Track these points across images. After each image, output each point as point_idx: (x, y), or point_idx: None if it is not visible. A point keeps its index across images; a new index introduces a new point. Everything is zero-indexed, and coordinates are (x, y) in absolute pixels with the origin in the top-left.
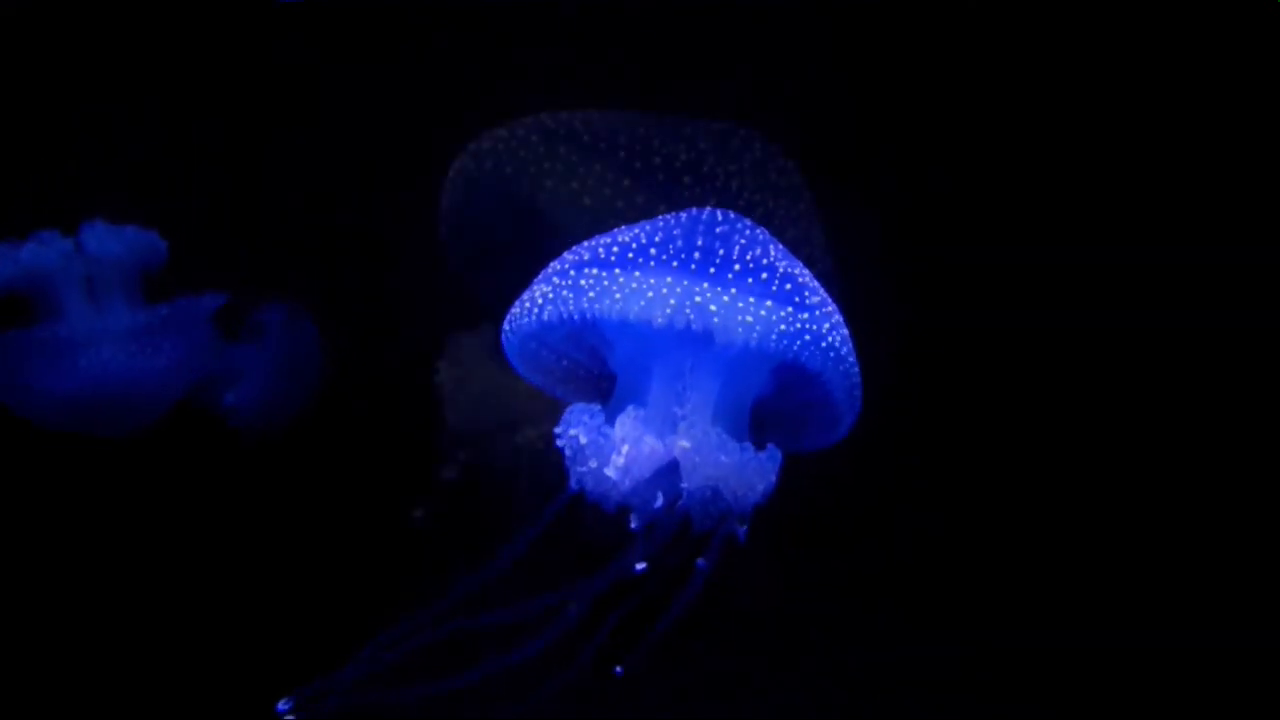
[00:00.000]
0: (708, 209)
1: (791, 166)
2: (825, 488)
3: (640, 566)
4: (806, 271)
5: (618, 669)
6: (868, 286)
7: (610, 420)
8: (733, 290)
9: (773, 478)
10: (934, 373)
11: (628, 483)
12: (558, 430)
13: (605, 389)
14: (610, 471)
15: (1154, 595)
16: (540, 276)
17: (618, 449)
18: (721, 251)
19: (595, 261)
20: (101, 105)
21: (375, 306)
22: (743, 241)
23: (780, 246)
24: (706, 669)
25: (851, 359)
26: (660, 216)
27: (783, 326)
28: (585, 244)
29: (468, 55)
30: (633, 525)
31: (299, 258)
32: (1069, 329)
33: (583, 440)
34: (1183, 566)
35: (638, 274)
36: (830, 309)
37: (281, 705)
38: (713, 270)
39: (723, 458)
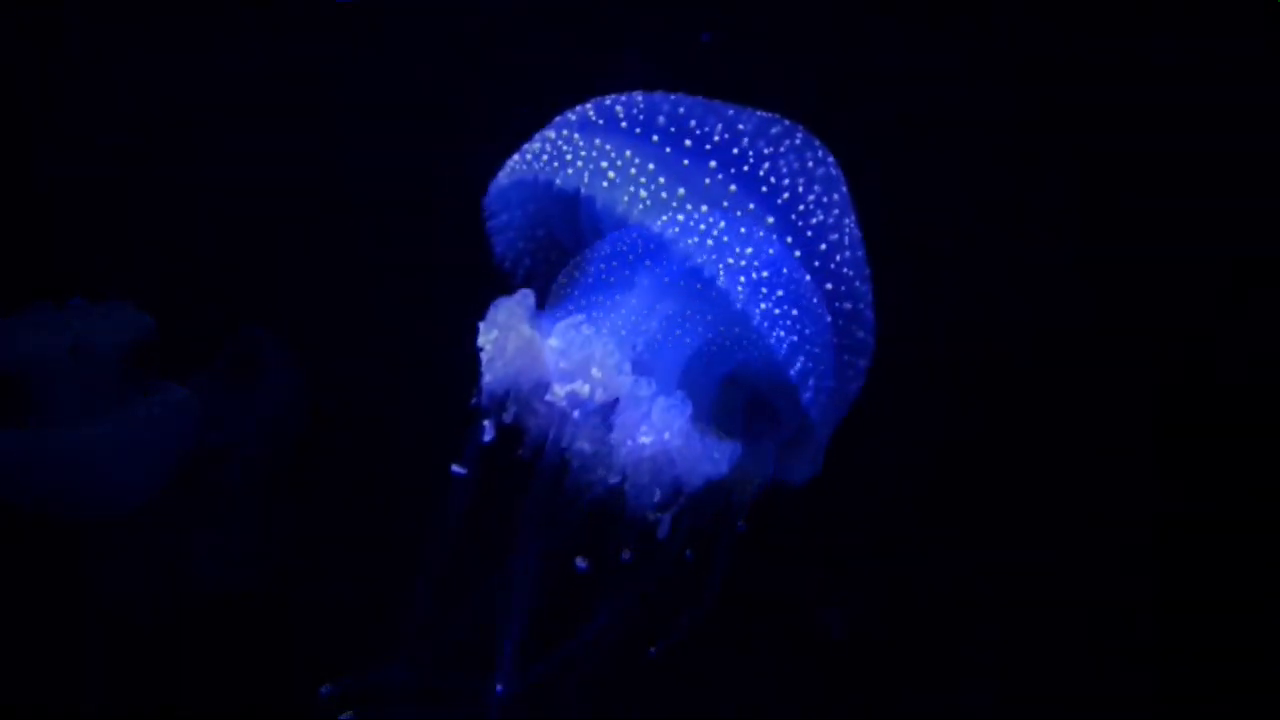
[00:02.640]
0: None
1: (832, 160)
2: (837, 478)
3: (582, 563)
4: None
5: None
6: (902, 277)
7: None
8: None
9: (724, 467)
10: (960, 365)
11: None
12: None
13: None
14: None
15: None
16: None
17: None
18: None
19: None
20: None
21: (418, 276)
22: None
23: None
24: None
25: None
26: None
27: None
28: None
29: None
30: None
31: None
32: (1095, 326)
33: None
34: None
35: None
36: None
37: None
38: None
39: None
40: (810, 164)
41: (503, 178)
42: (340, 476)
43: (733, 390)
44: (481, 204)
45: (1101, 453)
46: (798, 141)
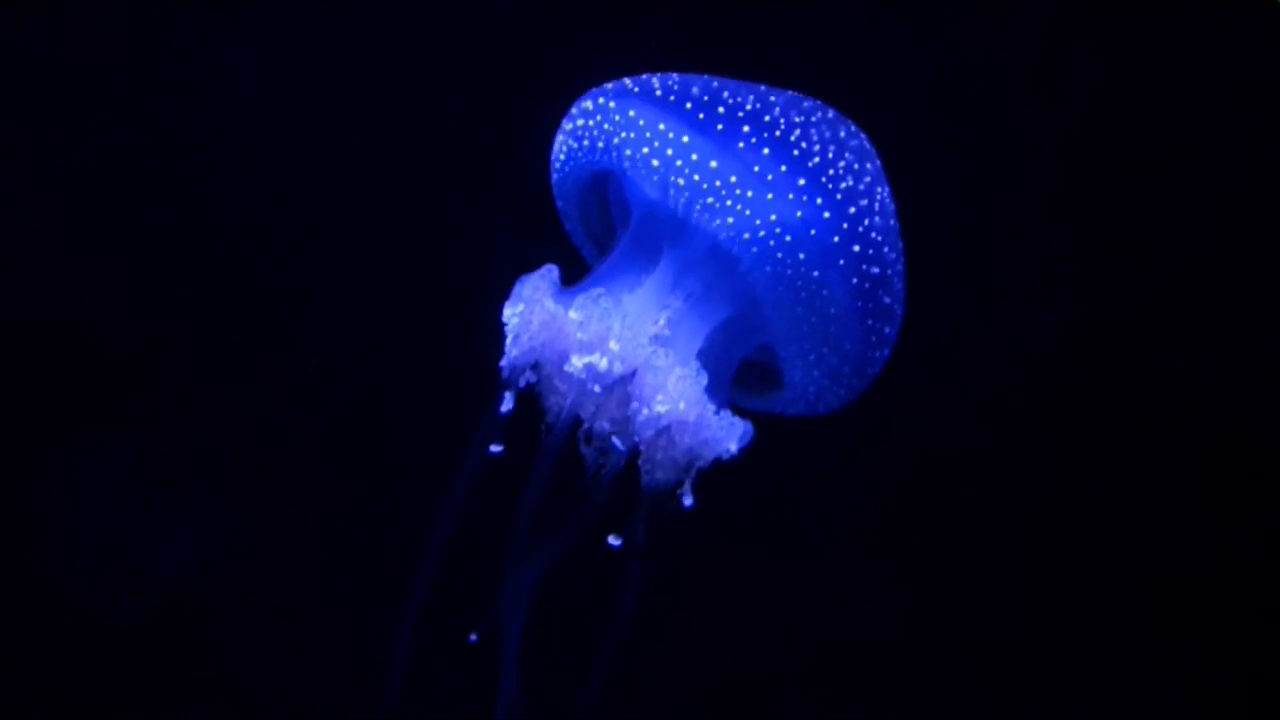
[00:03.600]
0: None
1: (865, 137)
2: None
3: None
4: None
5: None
6: (932, 251)
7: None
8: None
9: (735, 446)
10: (987, 344)
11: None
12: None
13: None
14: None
15: None
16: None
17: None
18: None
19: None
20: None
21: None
22: None
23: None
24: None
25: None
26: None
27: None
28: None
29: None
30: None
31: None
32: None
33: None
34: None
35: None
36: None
37: None
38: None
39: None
40: (842, 135)
41: (558, 160)
42: (348, 468)
43: (751, 373)
44: (489, 187)
45: (1122, 448)
46: (830, 116)
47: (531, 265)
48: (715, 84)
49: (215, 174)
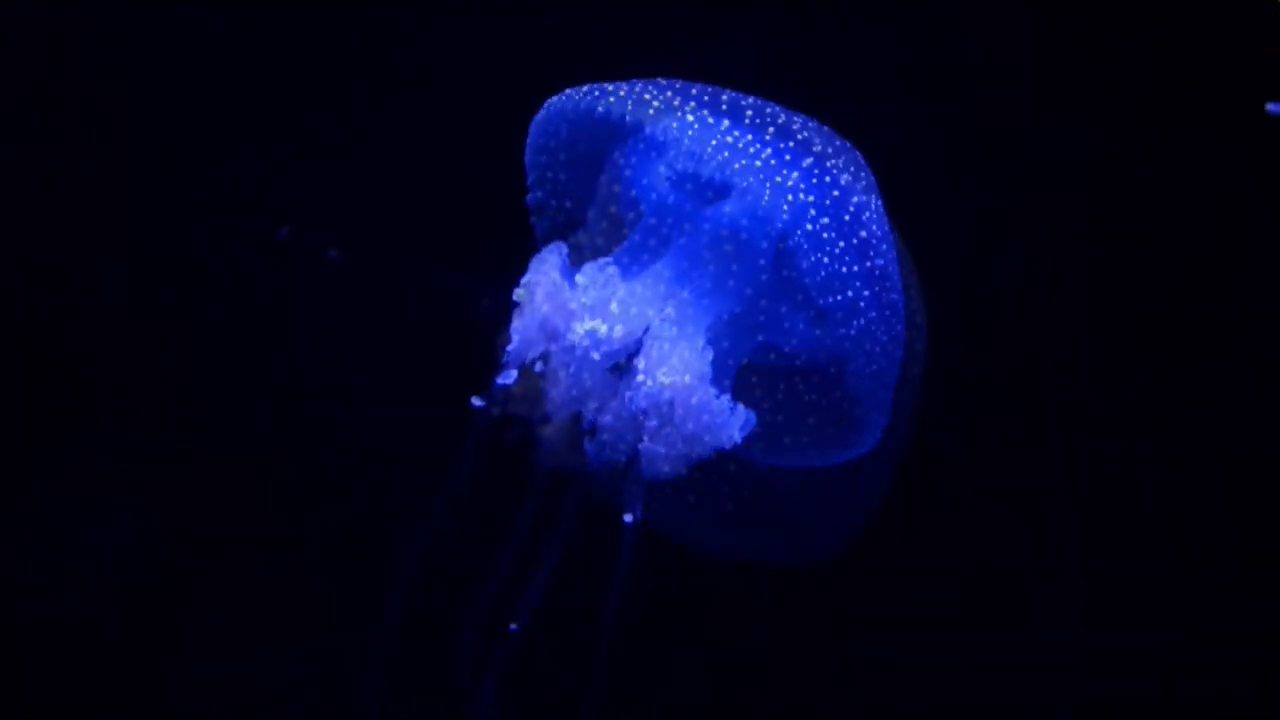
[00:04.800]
0: None
1: (859, 153)
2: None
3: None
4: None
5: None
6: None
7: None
8: None
9: (737, 434)
10: (990, 343)
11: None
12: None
13: None
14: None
15: None
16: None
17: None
18: None
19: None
20: None
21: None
22: None
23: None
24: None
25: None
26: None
27: None
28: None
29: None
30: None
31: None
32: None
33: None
34: None
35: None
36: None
37: None
38: None
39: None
40: (838, 143)
41: (540, 116)
42: (340, 466)
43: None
44: (486, 187)
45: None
46: (825, 128)
47: (521, 268)
48: (712, 88)
49: (207, 172)
